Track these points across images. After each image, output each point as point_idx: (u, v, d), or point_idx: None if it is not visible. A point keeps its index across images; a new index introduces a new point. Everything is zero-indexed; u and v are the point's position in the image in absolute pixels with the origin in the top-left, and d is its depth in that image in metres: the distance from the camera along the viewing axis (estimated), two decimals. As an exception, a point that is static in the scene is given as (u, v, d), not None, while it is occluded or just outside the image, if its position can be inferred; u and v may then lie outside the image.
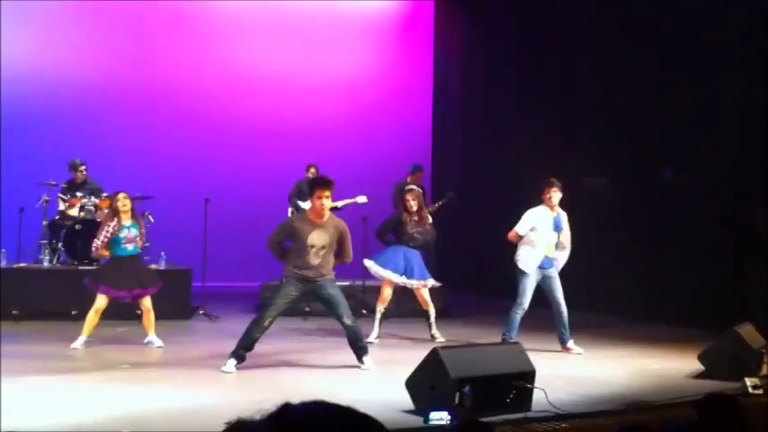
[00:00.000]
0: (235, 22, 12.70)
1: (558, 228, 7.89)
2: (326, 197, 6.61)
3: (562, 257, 7.97)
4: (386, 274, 8.56)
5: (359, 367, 6.78)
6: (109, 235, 7.75)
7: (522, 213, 7.94)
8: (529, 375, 5.45)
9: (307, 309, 9.98)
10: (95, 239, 7.76)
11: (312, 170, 10.66)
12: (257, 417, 2.93)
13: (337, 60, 13.07)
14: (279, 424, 1.04)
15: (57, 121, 11.67)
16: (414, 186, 9.22)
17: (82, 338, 7.56)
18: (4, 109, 11.33)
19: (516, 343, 6.03)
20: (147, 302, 7.87)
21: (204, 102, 12.44)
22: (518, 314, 7.82)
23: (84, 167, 9.94)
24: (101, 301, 7.64)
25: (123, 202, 7.81)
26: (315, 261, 6.61)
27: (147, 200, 9.87)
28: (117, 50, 12.20)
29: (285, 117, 12.69)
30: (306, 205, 10.35)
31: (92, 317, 7.65)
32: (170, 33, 12.47)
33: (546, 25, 11.30)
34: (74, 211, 9.75)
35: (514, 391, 5.32)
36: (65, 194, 9.88)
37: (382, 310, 8.65)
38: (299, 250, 6.63)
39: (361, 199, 10.26)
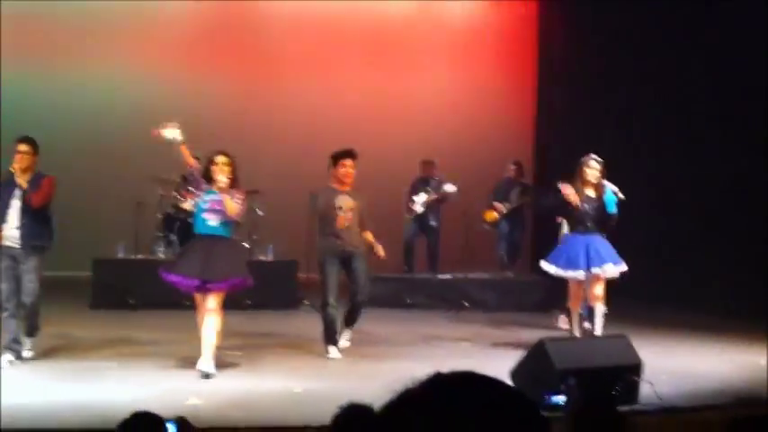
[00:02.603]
0: (338, 32, 12.86)
1: None
2: (349, 165, 7.07)
3: None
4: (567, 275, 7.35)
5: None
6: (196, 183, 6.38)
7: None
8: (636, 368, 5.41)
9: (408, 301, 10.14)
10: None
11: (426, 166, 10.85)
12: (367, 401, 3.01)
13: (436, 65, 13.11)
14: (434, 389, 1.08)
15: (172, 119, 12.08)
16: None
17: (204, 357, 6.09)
18: (124, 108, 11.85)
19: (623, 335, 5.99)
20: (212, 302, 6.10)
21: (309, 103, 12.67)
22: None
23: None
24: (196, 300, 6.33)
25: (221, 168, 6.23)
26: (344, 224, 6.97)
27: (254, 194, 10.15)
28: (232, 55, 12.56)
29: (389, 116, 12.80)
30: (418, 199, 10.51)
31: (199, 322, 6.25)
32: (283, 37, 12.74)
33: (653, 23, 11.06)
34: (187, 205, 10.12)
35: (622, 384, 5.28)
36: (179, 189, 10.27)
37: (579, 311, 7.42)
38: (328, 218, 7.05)
39: (449, 187, 10.27)
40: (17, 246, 6.36)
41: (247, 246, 9.62)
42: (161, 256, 9.92)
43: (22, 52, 11.82)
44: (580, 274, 7.15)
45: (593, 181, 7.16)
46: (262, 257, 9.83)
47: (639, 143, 11.08)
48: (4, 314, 6.46)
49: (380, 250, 7.17)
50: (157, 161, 10.89)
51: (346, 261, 7.06)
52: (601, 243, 7.21)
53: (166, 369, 6.22)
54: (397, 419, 1.06)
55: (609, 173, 7.31)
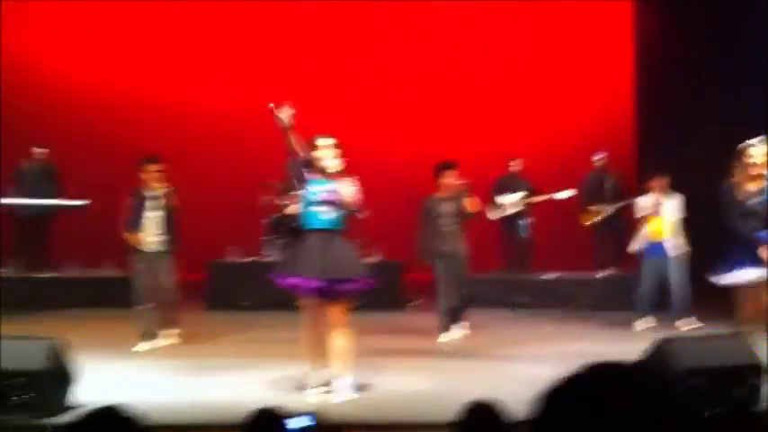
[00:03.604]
0: (424, 16, 12.93)
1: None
2: (452, 176, 8.01)
3: None
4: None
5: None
6: (299, 171, 5.56)
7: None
8: (756, 368, 5.25)
9: (514, 301, 10.11)
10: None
11: (513, 163, 10.71)
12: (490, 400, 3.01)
13: (537, 50, 13.01)
14: (592, 379, 1.11)
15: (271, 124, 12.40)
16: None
17: (308, 373, 5.62)
18: (233, 115, 12.24)
19: (741, 334, 5.81)
20: (337, 316, 5.47)
21: (412, 96, 12.78)
22: None
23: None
24: (305, 307, 5.55)
25: (327, 151, 5.58)
26: (445, 228, 7.95)
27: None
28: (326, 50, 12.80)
29: (485, 110, 12.79)
30: (504, 200, 10.43)
31: (304, 332, 5.61)
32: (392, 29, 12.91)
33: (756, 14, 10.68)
34: (291, 209, 10.36)
35: (743, 386, 5.15)
36: (282, 194, 10.54)
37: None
38: (432, 223, 8.03)
39: (564, 194, 10.11)
40: (154, 250, 7.39)
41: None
42: (269, 258, 10.23)
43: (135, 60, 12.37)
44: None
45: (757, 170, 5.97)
46: (368, 259, 9.97)
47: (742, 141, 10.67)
48: (143, 307, 7.48)
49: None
50: (263, 167, 11.28)
51: (450, 260, 7.93)
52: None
53: (285, 368, 6.39)
54: (557, 408, 1.09)
55: (709, 173, 6.59)
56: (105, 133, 12.28)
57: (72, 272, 10.29)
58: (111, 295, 9.88)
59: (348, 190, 5.46)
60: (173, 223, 7.53)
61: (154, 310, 7.51)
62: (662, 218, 8.59)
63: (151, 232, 7.45)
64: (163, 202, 7.48)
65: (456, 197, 8.08)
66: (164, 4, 12.76)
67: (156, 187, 7.50)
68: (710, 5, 11.12)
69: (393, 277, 10.06)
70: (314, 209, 5.47)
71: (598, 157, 10.53)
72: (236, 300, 9.72)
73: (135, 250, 7.49)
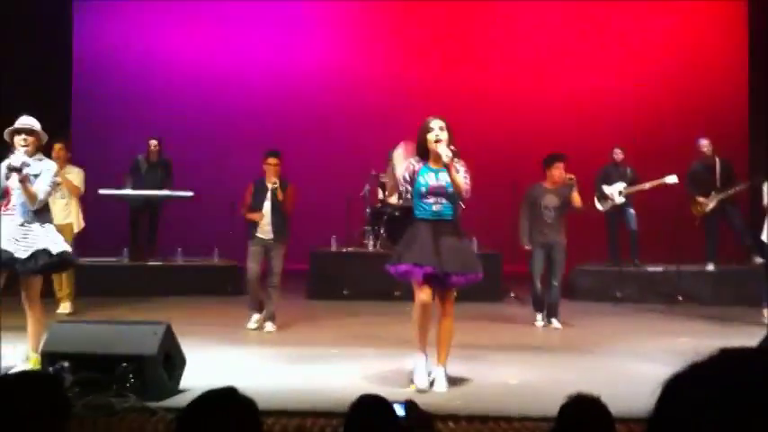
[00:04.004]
0: (528, 4, 12.77)
1: None
2: (560, 168, 8.17)
3: None
4: None
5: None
6: (407, 175, 5.40)
7: None
8: None
9: (618, 294, 9.91)
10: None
11: (617, 152, 10.44)
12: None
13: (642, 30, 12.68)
14: (724, 363, 1.00)
15: (376, 117, 12.52)
16: None
17: (419, 362, 5.52)
18: (331, 108, 12.42)
19: None
20: (449, 303, 5.48)
21: (512, 98, 12.67)
22: None
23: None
24: (419, 294, 5.38)
25: (437, 134, 5.33)
26: (548, 220, 8.17)
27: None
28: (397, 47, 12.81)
29: (590, 104, 12.54)
30: (610, 190, 10.21)
31: (418, 320, 5.43)
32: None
33: None
34: (393, 199, 10.43)
35: None
36: (384, 184, 10.61)
37: None
38: (536, 213, 8.23)
39: (671, 179, 9.79)
40: (268, 238, 7.92)
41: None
42: (370, 248, 10.36)
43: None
44: None
45: None
46: (469, 245, 9.93)
47: None
48: (252, 289, 7.99)
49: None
50: (365, 157, 11.41)
51: (549, 251, 8.22)
52: None
53: (386, 356, 6.46)
54: (683, 394, 0.99)
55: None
56: (217, 127, 12.65)
57: (181, 260, 10.65)
58: (218, 283, 10.23)
59: (461, 178, 5.33)
60: (286, 215, 8.02)
61: (255, 295, 8.00)
62: None
63: (267, 221, 7.93)
64: (279, 192, 7.91)
65: (562, 189, 8.18)
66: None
67: (273, 179, 7.94)
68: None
69: (492, 268, 9.97)
70: (425, 200, 5.40)
71: (704, 143, 10.05)
72: (337, 288, 9.87)
73: (251, 235, 7.97)
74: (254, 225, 7.99)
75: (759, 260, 9.68)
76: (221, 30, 12.96)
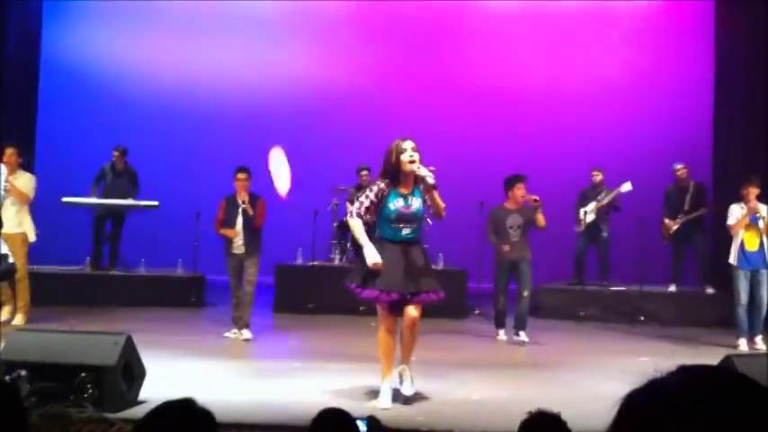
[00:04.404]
0: (500, 22, 12.89)
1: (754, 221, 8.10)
2: (522, 188, 8.37)
3: None
4: None
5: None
6: (370, 199, 5.32)
7: None
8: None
9: (581, 313, 9.99)
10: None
11: (594, 173, 10.54)
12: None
13: (605, 56, 12.83)
14: (683, 380, 1.00)
15: (344, 130, 12.56)
16: None
17: (385, 385, 5.48)
18: (300, 121, 12.42)
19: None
20: (414, 311, 5.41)
21: (475, 109, 12.75)
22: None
23: (365, 172, 10.50)
24: (384, 322, 5.43)
25: (411, 155, 5.25)
26: (514, 238, 8.37)
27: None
28: (393, 56, 12.87)
29: (559, 118, 12.66)
30: (588, 208, 10.30)
31: (383, 341, 5.46)
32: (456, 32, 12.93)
33: None
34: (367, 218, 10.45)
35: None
36: (352, 197, 10.62)
37: None
38: (500, 233, 8.45)
39: (626, 187, 9.93)
40: (241, 253, 8.05)
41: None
42: (336, 262, 10.34)
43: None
44: None
45: None
46: (432, 266, 9.95)
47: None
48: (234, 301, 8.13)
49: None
50: (331, 170, 11.42)
51: (516, 266, 8.42)
52: None
53: (349, 371, 6.45)
54: (641, 410, 0.99)
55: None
56: (184, 138, 12.59)
57: (144, 271, 10.54)
58: (182, 295, 10.14)
59: (417, 203, 5.35)
60: (257, 230, 8.16)
61: (237, 306, 8.11)
62: (757, 227, 8.14)
63: (239, 237, 8.06)
64: (249, 209, 8.03)
65: (525, 209, 8.37)
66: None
67: (243, 196, 8.06)
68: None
69: (457, 285, 10.02)
70: (394, 225, 5.35)
71: (678, 167, 10.16)
72: (302, 302, 9.83)
73: (227, 252, 8.11)
74: (229, 241, 8.09)
75: (710, 291, 9.88)
76: (191, 42, 12.90)
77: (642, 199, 10.09)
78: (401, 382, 5.50)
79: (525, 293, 8.43)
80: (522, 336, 8.31)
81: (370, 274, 5.31)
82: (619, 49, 12.84)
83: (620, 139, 12.47)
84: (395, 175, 5.32)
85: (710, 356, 6.26)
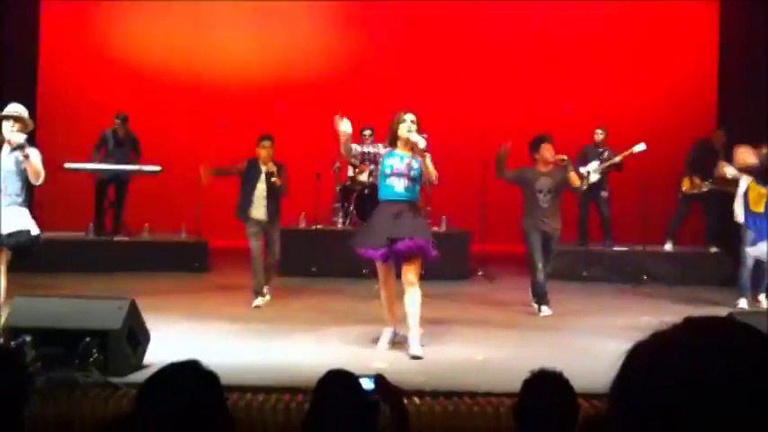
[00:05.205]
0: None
1: None
2: (549, 149, 7.76)
3: None
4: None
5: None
6: (365, 150, 6.28)
7: None
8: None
9: (584, 273, 10.00)
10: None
11: (598, 132, 10.47)
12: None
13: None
14: (690, 331, 0.99)
15: (345, 91, 12.45)
16: None
17: (385, 330, 6.19)
18: (303, 85, 12.34)
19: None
20: (410, 274, 5.92)
21: (480, 66, 12.65)
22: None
23: (368, 132, 10.36)
24: (380, 273, 6.08)
25: (409, 126, 5.89)
26: (543, 204, 7.70)
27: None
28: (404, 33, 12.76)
29: (560, 83, 12.55)
30: (585, 169, 10.22)
31: (382, 293, 6.17)
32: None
33: None
34: (363, 177, 10.40)
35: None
36: (354, 161, 10.56)
37: None
38: (531, 198, 7.75)
39: (639, 147, 9.78)
40: (262, 219, 7.96)
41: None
42: (339, 226, 10.34)
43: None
44: None
45: None
46: (435, 228, 9.96)
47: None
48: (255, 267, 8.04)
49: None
50: (334, 133, 11.36)
51: (545, 239, 7.77)
52: None
53: (351, 334, 6.48)
54: (647, 359, 0.97)
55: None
56: (187, 104, 12.52)
57: (148, 236, 10.56)
58: (186, 260, 10.15)
59: (432, 166, 5.84)
60: (279, 198, 8.08)
61: (263, 271, 8.07)
62: (762, 188, 8.00)
63: (261, 203, 7.96)
64: (277, 180, 7.88)
65: (555, 171, 7.82)
66: None
67: (267, 162, 7.91)
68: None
69: (460, 247, 10.04)
70: (389, 181, 5.92)
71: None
72: (306, 265, 9.84)
73: (246, 217, 8.01)
74: (246, 207, 7.99)
75: (714, 249, 9.89)
76: (194, 18, 12.75)
77: (643, 157, 9.98)
78: (409, 343, 5.89)
79: (548, 269, 7.89)
80: (546, 310, 7.78)
81: (363, 236, 6.13)
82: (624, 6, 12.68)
83: (623, 98, 12.38)
84: (394, 141, 5.99)
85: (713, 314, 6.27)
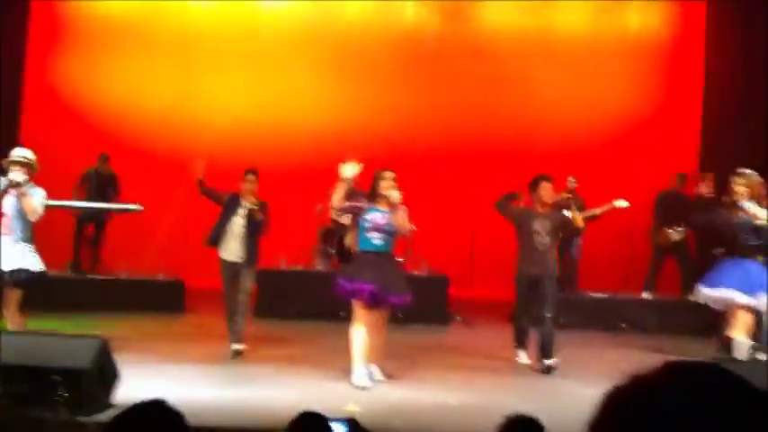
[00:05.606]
0: (499, 47, 12.87)
1: None
2: (549, 188, 7.44)
3: None
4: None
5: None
6: (351, 207, 6.63)
7: None
8: None
9: (561, 320, 9.96)
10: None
11: (571, 180, 10.51)
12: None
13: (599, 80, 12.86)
14: (669, 376, 0.98)
15: (332, 134, 12.46)
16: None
17: (358, 371, 6.34)
18: (287, 127, 12.37)
19: None
20: (384, 318, 6.56)
21: (468, 116, 12.72)
22: None
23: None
24: (358, 313, 6.41)
25: (391, 183, 6.42)
26: (540, 247, 7.29)
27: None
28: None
29: (546, 132, 12.62)
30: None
31: (355, 334, 6.39)
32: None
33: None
34: (345, 219, 10.38)
35: None
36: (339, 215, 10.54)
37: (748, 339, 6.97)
38: (526, 239, 7.36)
39: (621, 203, 9.78)
40: (237, 260, 7.48)
41: (402, 260, 9.76)
42: (319, 268, 10.27)
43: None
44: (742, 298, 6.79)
45: (740, 198, 6.90)
46: (415, 272, 9.94)
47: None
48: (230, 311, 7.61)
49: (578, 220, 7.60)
50: (319, 176, 11.33)
51: (538, 282, 7.34)
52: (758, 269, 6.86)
53: (326, 377, 6.41)
54: (626, 403, 0.97)
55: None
56: (158, 144, 12.50)
57: (125, 275, 10.45)
58: (162, 300, 10.05)
59: (403, 219, 6.37)
60: (258, 236, 7.59)
61: (231, 316, 7.60)
62: None
63: (235, 240, 7.49)
64: (257, 213, 7.45)
65: (554, 214, 7.53)
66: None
67: (252, 199, 7.52)
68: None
69: (439, 291, 10.01)
70: (368, 234, 6.42)
71: (679, 175, 10.19)
72: (284, 307, 9.76)
73: (220, 259, 7.55)
74: (218, 239, 7.50)
75: (692, 298, 9.83)
76: (174, 65, 12.82)
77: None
78: (372, 377, 6.29)
79: (548, 315, 7.32)
80: (551, 363, 7.26)
81: (354, 272, 6.40)
82: (608, 60, 12.86)
83: (609, 145, 12.49)
84: (374, 197, 6.49)
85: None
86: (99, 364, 5.12)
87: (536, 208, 7.43)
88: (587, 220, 10.04)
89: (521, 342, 7.66)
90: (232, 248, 7.48)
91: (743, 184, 6.89)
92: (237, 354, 7.42)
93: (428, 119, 12.63)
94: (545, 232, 7.32)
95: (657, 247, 10.25)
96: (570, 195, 7.71)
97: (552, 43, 12.83)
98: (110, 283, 10.24)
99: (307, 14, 12.97)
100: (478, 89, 12.72)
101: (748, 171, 6.99)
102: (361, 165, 6.43)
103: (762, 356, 7.06)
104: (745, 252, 6.88)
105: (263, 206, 7.55)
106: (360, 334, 6.32)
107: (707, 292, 7.09)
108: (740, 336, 6.81)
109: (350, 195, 6.67)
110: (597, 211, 9.80)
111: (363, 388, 6.08)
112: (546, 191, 7.39)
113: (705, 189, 9.56)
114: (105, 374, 5.19)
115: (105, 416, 4.78)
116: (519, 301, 7.57)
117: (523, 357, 7.60)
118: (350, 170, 6.40)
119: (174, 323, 9.17)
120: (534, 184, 7.47)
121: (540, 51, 12.73)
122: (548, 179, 7.51)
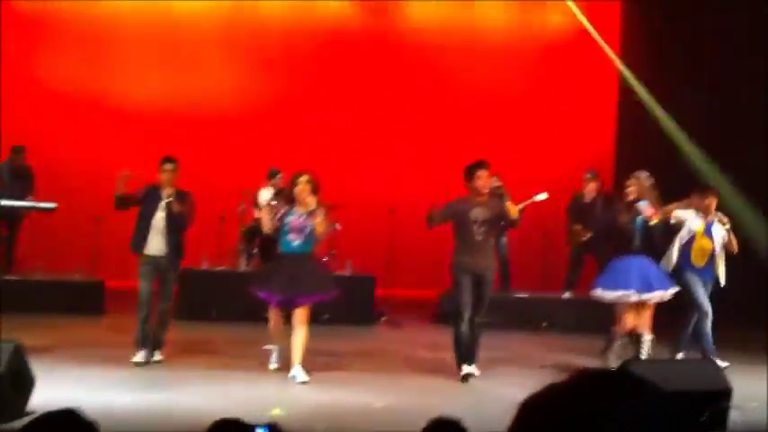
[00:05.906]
0: (425, 41, 12.94)
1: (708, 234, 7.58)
2: (485, 176, 6.93)
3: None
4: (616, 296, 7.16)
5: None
6: (275, 218, 6.75)
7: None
8: (725, 394, 5.25)
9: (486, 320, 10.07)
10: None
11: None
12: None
13: (519, 71, 13.06)
14: (582, 384, 1.04)
15: (254, 132, 12.34)
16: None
17: (274, 354, 7.00)
18: (211, 121, 12.18)
19: (712, 360, 5.82)
20: (300, 316, 6.62)
21: (390, 114, 12.76)
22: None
23: (280, 175, 10.26)
24: (272, 316, 6.89)
25: (305, 187, 6.68)
26: (478, 237, 6.82)
27: (335, 209, 10.24)
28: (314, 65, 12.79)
29: (467, 130, 12.76)
30: None
31: (272, 330, 6.98)
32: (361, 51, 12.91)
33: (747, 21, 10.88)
34: (267, 228, 10.26)
35: (708, 412, 5.14)
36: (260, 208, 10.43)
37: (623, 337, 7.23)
38: (463, 230, 6.88)
39: (541, 196, 9.88)
40: (160, 254, 7.05)
41: (326, 260, 9.71)
42: (242, 268, 10.13)
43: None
44: (632, 296, 7.05)
45: (631, 197, 7.23)
46: (340, 272, 9.91)
47: (727, 149, 10.77)
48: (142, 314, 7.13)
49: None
50: (241, 175, 11.21)
51: (476, 283, 6.87)
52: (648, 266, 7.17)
53: (248, 380, 6.34)
54: (543, 413, 1.01)
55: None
56: (82, 136, 12.17)
57: (41, 275, 10.11)
58: (80, 301, 9.75)
59: (322, 224, 6.68)
60: (182, 229, 7.13)
61: (158, 323, 7.23)
62: (710, 240, 7.57)
63: (158, 235, 7.01)
64: (175, 204, 7.01)
65: (492, 202, 6.99)
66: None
67: (169, 190, 7.07)
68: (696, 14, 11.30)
69: (365, 292, 10.00)
70: (287, 237, 6.73)
71: (590, 175, 10.28)
72: (206, 309, 9.57)
73: (140, 252, 7.05)
74: (142, 239, 6.99)
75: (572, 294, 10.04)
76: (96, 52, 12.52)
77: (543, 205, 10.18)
78: (294, 376, 6.48)
79: (479, 320, 6.88)
80: (472, 369, 6.85)
81: (266, 278, 6.85)
82: (524, 55, 13.07)
83: (523, 143, 12.69)
84: (292, 200, 6.79)
85: (608, 364, 6.38)
86: (13, 369, 4.94)
87: (472, 197, 6.94)
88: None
89: (465, 354, 6.85)
90: (154, 243, 7.01)
91: (633, 184, 7.25)
92: (143, 364, 6.97)
93: (349, 114, 12.62)
94: (482, 221, 6.87)
95: (573, 247, 10.44)
96: (500, 184, 7.57)
97: (472, 39, 12.99)
98: (25, 283, 9.90)
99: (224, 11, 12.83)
100: (399, 83, 12.78)
101: (643, 174, 7.32)
102: (275, 182, 6.75)
103: (680, 355, 7.28)
104: (636, 251, 7.16)
105: (183, 197, 7.08)
106: (273, 329, 6.96)
107: (603, 294, 7.25)
108: (648, 334, 7.06)
109: (277, 195, 6.97)
110: (520, 206, 9.95)
111: (303, 382, 6.39)
112: (482, 180, 6.88)
113: (590, 191, 9.90)
114: (19, 380, 5.01)
115: (20, 423, 4.61)
116: (459, 297, 6.84)
117: (469, 369, 6.83)
118: (265, 194, 7.18)
119: (92, 326, 8.92)
120: (469, 173, 6.96)
121: (461, 46, 12.86)
122: (483, 166, 6.97)
